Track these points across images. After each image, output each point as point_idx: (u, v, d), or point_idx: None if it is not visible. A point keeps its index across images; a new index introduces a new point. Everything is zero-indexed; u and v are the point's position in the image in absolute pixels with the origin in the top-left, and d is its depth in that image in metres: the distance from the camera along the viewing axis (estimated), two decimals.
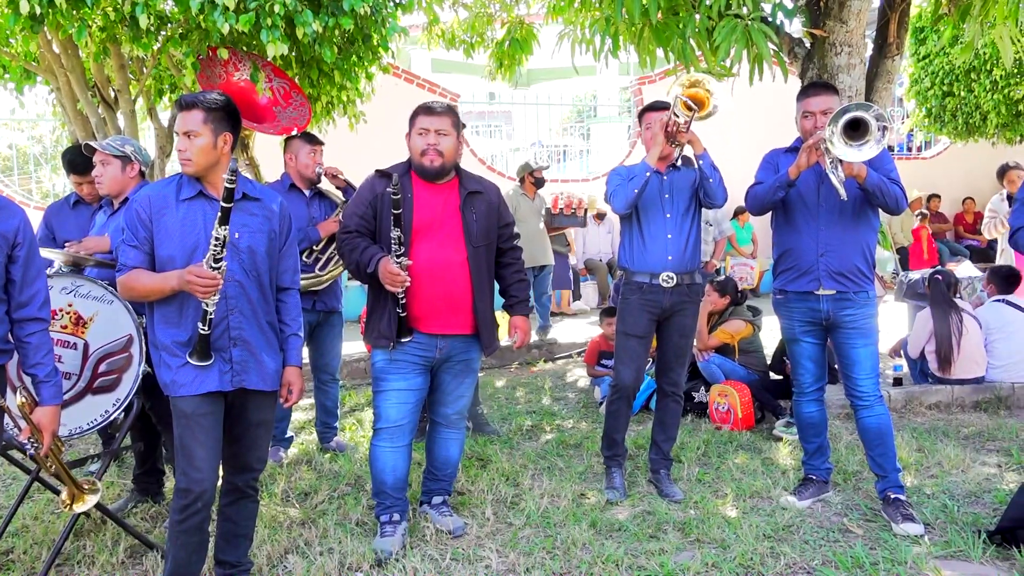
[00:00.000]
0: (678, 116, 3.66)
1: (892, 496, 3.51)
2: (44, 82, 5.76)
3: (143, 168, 3.76)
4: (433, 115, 3.34)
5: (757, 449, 4.61)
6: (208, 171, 2.78)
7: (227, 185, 2.61)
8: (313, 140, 4.55)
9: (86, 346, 3.11)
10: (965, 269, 7.11)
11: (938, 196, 12.48)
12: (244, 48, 4.95)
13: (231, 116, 2.81)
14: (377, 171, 3.37)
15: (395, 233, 3.21)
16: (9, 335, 2.63)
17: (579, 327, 8.77)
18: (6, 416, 2.87)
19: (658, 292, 3.82)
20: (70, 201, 4.33)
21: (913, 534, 3.33)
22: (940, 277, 5.48)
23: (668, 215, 3.83)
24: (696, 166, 3.78)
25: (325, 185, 4.65)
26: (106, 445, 4.18)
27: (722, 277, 6.02)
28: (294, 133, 4.74)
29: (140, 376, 3.21)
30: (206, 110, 2.74)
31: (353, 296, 8.14)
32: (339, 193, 4.67)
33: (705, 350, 5.46)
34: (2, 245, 2.53)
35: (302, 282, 3.73)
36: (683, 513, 3.65)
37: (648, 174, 3.72)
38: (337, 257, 4.39)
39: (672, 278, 3.80)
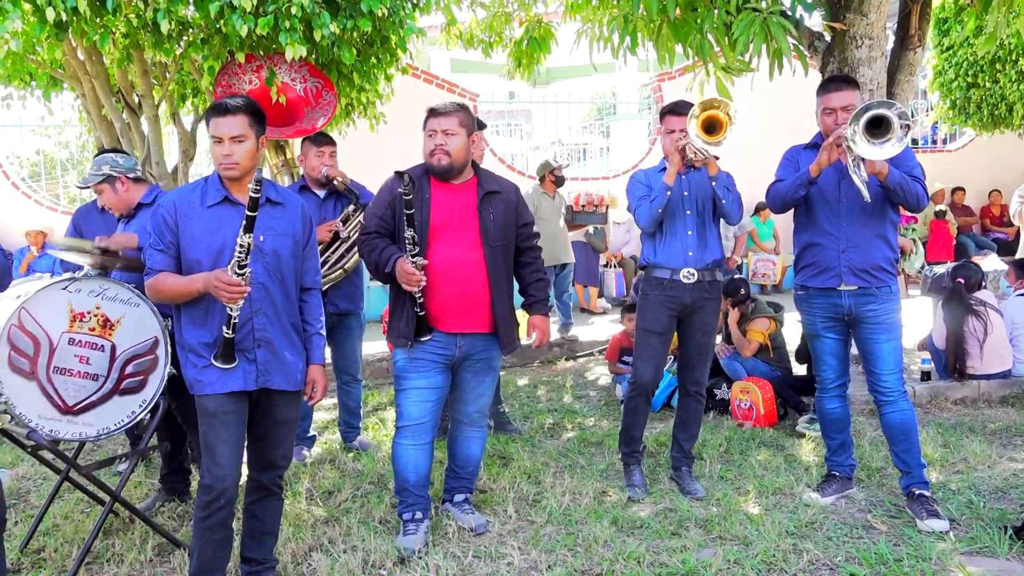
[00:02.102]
0: (695, 150, 3.63)
1: (917, 492, 3.48)
2: (70, 88, 5.86)
3: (129, 175, 3.76)
4: (439, 116, 3.38)
5: (780, 446, 4.59)
6: (243, 175, 2.82)
7: (252, 195, 2.63)
8: (321, 141, 4.53)
9: (113, 348, 3.15)
10: (991, 262, 7.02)
11: (962, 189, 12.29)
12: (262, 52, 4.99)
13: (263, 120, 2.87)
14: (396, 172, 3.39)
15: (408, 233, 3.24)
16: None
17: (601, 325, 8.76)
18: (36, 416, 2.93)
19: (679, 288, 3.81)
20: (98, 205, 4.38)
21: (938, 530, 3.30)
22: (962, 280, 5.39)
23: (688, 212, 3.82)
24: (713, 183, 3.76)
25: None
26: (133, 445, 4.24)
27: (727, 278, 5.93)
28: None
29: (166, 377, 3.26)
30: (248, 114, 2.79)
31: (375, 296, 8.19)
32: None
33: (749, 356, 5.39)
34: None
35: None
36: (705, 510, 3.65)
37: (668, 193, 3.73)
38: (334, 261, 4.41)
39: (693, 274, 3.79)
